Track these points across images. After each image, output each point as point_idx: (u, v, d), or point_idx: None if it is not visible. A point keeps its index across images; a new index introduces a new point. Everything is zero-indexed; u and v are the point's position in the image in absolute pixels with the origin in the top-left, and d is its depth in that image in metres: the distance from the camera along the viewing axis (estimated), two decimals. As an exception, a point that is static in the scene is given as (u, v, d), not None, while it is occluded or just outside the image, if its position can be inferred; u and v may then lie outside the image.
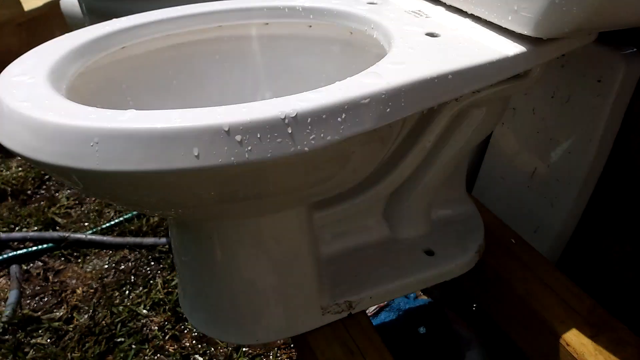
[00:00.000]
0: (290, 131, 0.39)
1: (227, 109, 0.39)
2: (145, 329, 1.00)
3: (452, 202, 0.81)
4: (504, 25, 0.53)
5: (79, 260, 1.18)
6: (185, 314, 0.68)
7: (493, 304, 0.78)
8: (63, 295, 1.10)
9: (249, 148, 0.38)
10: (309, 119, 0.40)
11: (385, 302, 1.06)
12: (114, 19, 0.62)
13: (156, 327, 1.01)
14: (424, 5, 0.64)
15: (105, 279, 1.13)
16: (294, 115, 0.39)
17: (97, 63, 0.57)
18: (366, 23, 0.61)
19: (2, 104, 0.42)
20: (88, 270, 1.16)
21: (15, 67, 0.48)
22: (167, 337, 0.99)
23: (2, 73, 0.47)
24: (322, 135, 0.40)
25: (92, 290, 1.10)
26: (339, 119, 0.41)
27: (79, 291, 1.10)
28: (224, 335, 0.65)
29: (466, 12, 0.59)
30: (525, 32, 0.51)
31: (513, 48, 0.51)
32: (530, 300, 0.71)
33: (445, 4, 0.63)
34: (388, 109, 0.43)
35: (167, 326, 1.01)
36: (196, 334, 0.99)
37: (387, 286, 0.69)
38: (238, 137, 0.38)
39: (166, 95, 0.67)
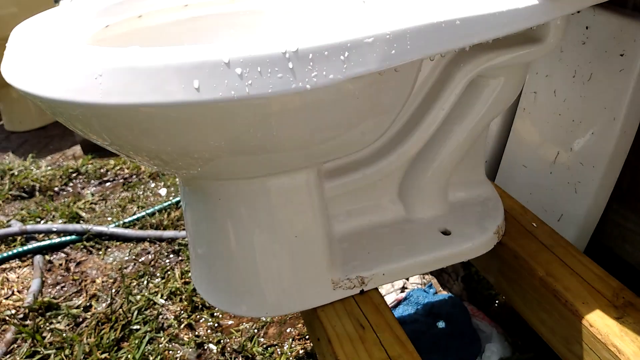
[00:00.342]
0: (291, 66, 0.39)
1: (228, 44, 0.39)
2: (161, 317, 1.00)
3: (471, 184, 0.79)
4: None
5: (100, 252, 1.20)
6: (196, 286, 0.68)
7: (511, 286, 0.75)
8: (83, 284, 1.11)
9: (250, 82, 0.38)
10: (311, 55, 0.39)
11: (403, 296, 1.03)
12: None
13: (172, 316, 1.00)
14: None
15: (125, 270, 1.14)
16: (294, 50, 0.39)
17: (113, 30, 0.58)
18: (377, -9, 0.61)
19: (13, 48, 0.43)
20: (109, 261, 1.17)
21: (34, 20, 0.50)
22: (182, 326, 0.98)
23: (16, 27, 0.48)
24: (324, 73, 0.40)
25: (111, 280, 1.11)
26: (341, 57, 0.40)
27: (98, 281, 1.12)
28: (234, 308, 0.65)
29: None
30: (537, -15, 0.50)
31: (524, 0, 0.49)
32: (551, 282, 0.68)
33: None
34: (393, 51, 0.42)
35: (183, 315, 1.00)
36: (211, 323, 0.99)
37: (401, 263, 0.67)
38: (238, 70, 0.38)
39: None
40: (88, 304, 1.05)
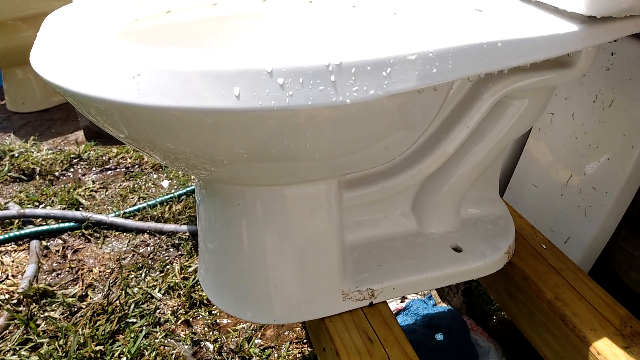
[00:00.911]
0: (333, 79, 0.38)
1: (271, 52, 0.38)
2: (158, 312, 0.99)
3: (484, 201, 0.79)
4: (554, 4, 0.52)
5: (99, 241, 1.18)
6: (203, 287, 0.67)
7: (517, 306, 0.74)
8: (79, 273, 1.09)
9: (291, 93, 0.37)
10: (353, 69, 0.39)
11: (403, 306, 1.03)
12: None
13: (169, 311, 0.99)
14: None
15: (123, 261, 1.13)
16: (338, 63, 0.38)
17: (141, 23, 0.57)
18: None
19: (45, 39, 0.42)
20: (107, 251, 1.16)
21: (65, 11, 0.48)
22: (179, 322, 0.97)
23: (48, 16, 0.47)
24: (365, 88, 0.39)
25: (108, 271, 1.10)
26: (383, 73, 0.40)
27: (95, 270, 1.10)
28: (241, 312, 0.64)
29: (514, -5, 0.58)
30: (577, 10, 0.49)
31: (564, 26, 0.49)
32: (559, 306, 0.68)
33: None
34: (434, 69, 0.42)
35: (181, 311, 0.99)
36: (209, 320, 0.98)
37: (411, 278, 0.67)
38: (280, 80, 0.37)
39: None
40: (84, 293, 1.04)
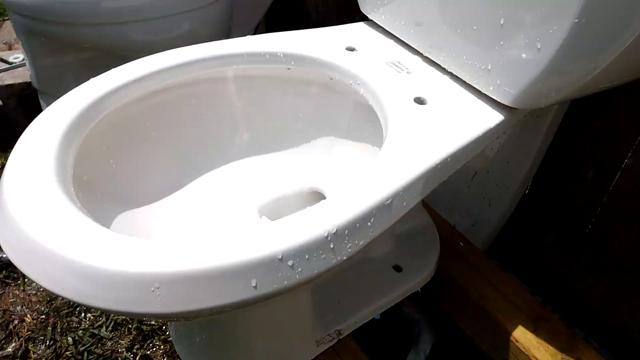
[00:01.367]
0: (332, 246, 0.43)
1: (277, 232, 0.41)
2: (114, 353, 1.00)
3: (412, 214, 0.89)
4: (483, 92, 0.59)
5: (19, 282, 1.12)
6: (179, 352, 0.71)
7: (448, 302, 0.89)
8: (11, 326, 1.04)
9: (299, 270, 0.41)
10: (347, 231, 0.43)
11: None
12: (91, 80, 0.58)
13: (124, 349, 1.01)
14: (402, 54, 0.68)
15: (54, 302, 1.09)
16: (334, 231, 0.42)
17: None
18: (350, 77, 0.63)
19: (30, 237, 0.40)
20: (32, 292, 1.10)
21: (19, 170, 0.45)
22: (137, 358, 0.99)
23: (5, 176, 0.44)
24: (356, 242, 0.44)
25: (43, 317, 1.06)
26: (368, 224, 0.45)
27: (28, 319, 1.05)
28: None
29: (445, 68, 0.64)
30: (504, 102, 0.57)
31: (494, 118, 0.57)
32: (483, 303, 0.83)
33: (422, 54, 0.67)
34: (404, 202, 0.48)
35: (136, 346, 1.01)
36: (168, 350, 1.01)
37: (367, 309, 0.77)
38: (290, 262, 0.41)
39: (147, 149, 0.65)
40: (24, 349, 1.00)
